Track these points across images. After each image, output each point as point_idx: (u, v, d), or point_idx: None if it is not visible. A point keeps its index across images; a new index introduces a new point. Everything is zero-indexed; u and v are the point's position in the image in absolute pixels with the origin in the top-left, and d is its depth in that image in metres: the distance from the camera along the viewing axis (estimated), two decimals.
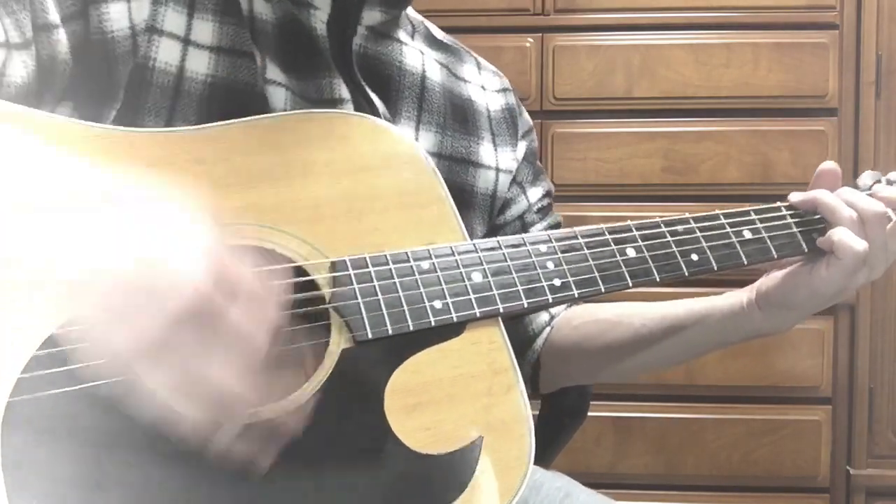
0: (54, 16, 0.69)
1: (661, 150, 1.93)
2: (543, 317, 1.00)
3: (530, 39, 1.94)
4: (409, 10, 0.95)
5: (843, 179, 1.97)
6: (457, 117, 0.93)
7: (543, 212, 1.01)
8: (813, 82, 1.90)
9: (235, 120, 0.71)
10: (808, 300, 0.86)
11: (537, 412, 1.10)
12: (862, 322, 1.92)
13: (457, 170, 0.91)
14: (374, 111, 0.83)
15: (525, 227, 0.99)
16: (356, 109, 0.82)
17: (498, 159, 0.96)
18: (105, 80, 0.72)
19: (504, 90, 1.01)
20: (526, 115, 1.02)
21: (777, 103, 1.92)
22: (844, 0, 1.89)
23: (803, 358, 1.92)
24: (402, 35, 0.92)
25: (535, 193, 1.00)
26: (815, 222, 0.86)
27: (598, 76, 1.93)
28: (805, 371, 1.93)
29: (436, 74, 0.93)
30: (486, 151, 0.95)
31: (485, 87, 0.99)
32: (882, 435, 1.93)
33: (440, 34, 0.99)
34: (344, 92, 0.82)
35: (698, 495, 1.98)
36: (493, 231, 0.96)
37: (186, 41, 0.75)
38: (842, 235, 0.83)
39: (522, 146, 1.00)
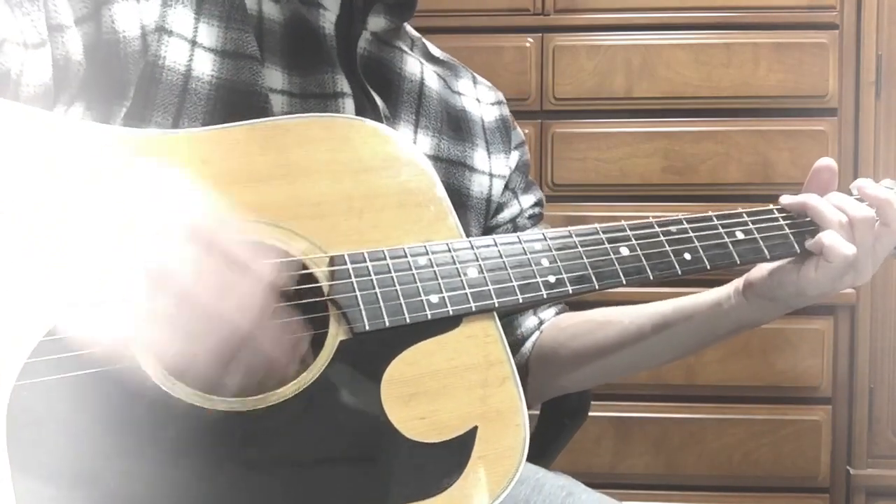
0: (67, 17, 0.71)
1: (661, 150, 1.93)
2: (532, 321, 1.01)
3: (530, 39, 1.94)
4: (409, 28, 0.99)
5: (843, 180, 1.97)
6: (451, 125, 0.96)
7: (534, 219, 1.04)
8: (813, 82, 1.90)
9: (239, 122, 0.73)
10: (792, 297, 0.88)
11: (538, 412, 1.10)
12: (862, 322, 1.92)
13: (453, 172, 0.94)
14: (374, 108, 0.86)
15: (517, 231, 1.00)
16: (357, 105, 0.85)
17: (491, 165, 0.99)
18: (116, 79, 0.74)
19: (499, 103, 1.05)
20: (519, 129, 1.06)
21: (777, 103, 1.92)
22: (844, 0, 1.90)
23: (803, 358, 1.92)
24: (402, 45, 0.95)
25: (527, 200, 1.03)
26: (806, 224, 0.87)
27: (598, 76, 1.93)
28: (805, 371, 1.93)
29: (433, 83, 0.97)
30: (480, 157, 0.98)
31: (480, 99, 1.03)
32: (882, 435, 1.93)
33: (436, 51, 1.04)
34: (345, 87, 0.85)
35: (698, 495, 1.98)
36: (487, 233, 0.98)
37: (193, 42, 0.77)
38: (832, 239, 0.83)
39: (515, 155, 1.03)
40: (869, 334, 1.92)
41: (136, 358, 0.60)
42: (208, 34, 0.78)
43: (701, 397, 1.96)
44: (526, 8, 1.94)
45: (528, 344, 1.00)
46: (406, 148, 0.79)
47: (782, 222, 0.87)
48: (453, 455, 0.67)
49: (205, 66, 0.77)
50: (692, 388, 1.94)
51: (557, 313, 1.03)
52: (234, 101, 0.78)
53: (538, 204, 1.05)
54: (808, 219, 0.87)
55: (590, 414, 1.12)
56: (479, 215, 0.97)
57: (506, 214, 1.01)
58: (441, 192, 0.77)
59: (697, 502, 1.98)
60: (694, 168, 1.93)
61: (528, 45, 1.94)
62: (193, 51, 0.77)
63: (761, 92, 1.91)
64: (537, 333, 1.01)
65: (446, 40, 1.05)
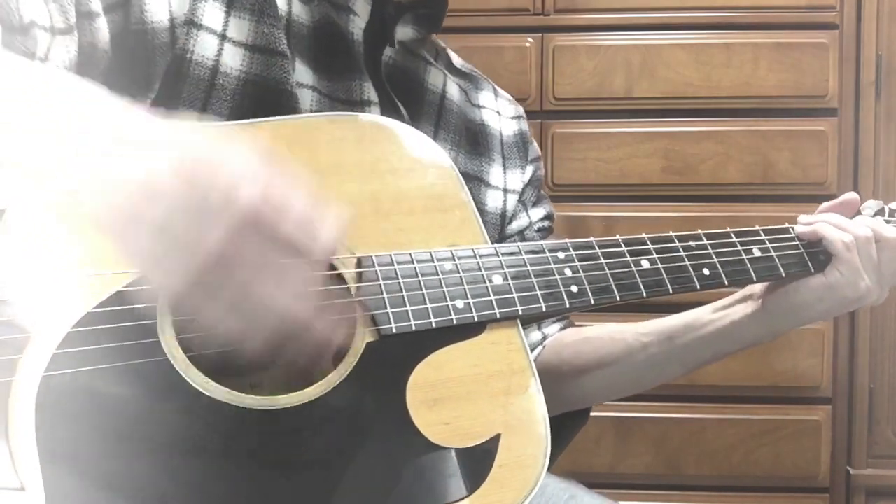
0: (97, 5, 0.71)
1: (661, 150, 1.93)
2: (535, 336, 1.01)
3: (530, 39, 1.94)
4: (434, 38, 0.98)
5: (843, 180, 1.97)
6: (470, 139, 0.96)
7: (543, 232, 1.04)
8: (813, 82, 1.90)
9: (267, 118, 0.73)
10: (825, 296, 0.89)
11: None
12: (862, 322, 1.92)
13: (469, 186, 0.95)
14: (399, 117, 0.86)
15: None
16: (382, 113, 0.85)
17: (506, 181, 0.99)
18: (142, 70, 0.74)
19: (518, 117, 1.05)
20: (535, 144, 1.06)
21: (777, 103, 1.92)
22: (844, 0, 1.90)
23: (803, 358, 1.92)
24: (427, 56, 0.95)
25: (536, 213, 1.03)
26: (821, 244, 0.89)
27: (598, 76, 1.93)
28: (805, 371, 1.93)
29: (455, 96, 0.97)
30: (495, 173, 0.98)
31: (500, 112, 1.03)
32: (882, 435, 1.93)
33: (459, 62, 1.04)
34: (373, 95, 0.85)
35: (698, 495, 1.98)
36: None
37: (223, 37, 0.76)
38: (825, 228, 0.88)
39: (530, 170, 1.03)
40: (869, 334, 1.92)
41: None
42: (238, 28, 0.77)
43: (701, 397, 1.96)
44: (526, 8, 1.94)
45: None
46: (434, 152, 0.79)
47: (798, 241, 0.89)
48: (476, 462, 0.67)
49: (233, 61, 0.77)
50: (692, 388, 1.94)
51: (562, 329, 1.03)
52: (263, 97, 0.77)
53: (548, 217, 1.05)
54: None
55: (590, 414, 1.12)
56: (494, 230, 0.97)
57: (514, 226, 1.00)
58: (466, 196, 0.77)
59: (697, 502, 1.98)
60: (694, 168, 1.93)
61: (528, 45, 1.94)
62: (222, 45, 0.76)
63: (761, 92, 1.91)
64: (540, 349, 1.00)
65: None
